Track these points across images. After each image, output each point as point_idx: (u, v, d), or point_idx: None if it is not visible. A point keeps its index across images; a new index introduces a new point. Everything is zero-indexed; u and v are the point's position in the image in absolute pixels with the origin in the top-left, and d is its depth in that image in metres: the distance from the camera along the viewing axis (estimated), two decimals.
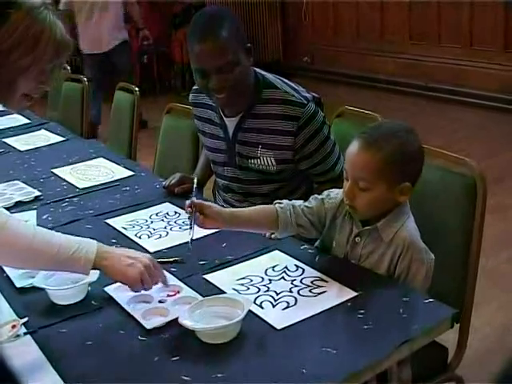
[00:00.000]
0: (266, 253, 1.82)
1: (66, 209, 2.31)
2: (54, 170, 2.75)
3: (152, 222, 2.12)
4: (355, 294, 1.57)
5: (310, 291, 1.61)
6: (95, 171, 2.70)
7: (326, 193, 1.79)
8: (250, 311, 1.49)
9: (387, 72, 6.99)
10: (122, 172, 2.65)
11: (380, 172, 1.60)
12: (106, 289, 1.67)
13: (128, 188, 2.47)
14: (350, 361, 1.33)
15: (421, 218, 1.86)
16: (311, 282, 1.65)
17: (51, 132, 3.41)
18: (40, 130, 3.49)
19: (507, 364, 0.76)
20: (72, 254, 1.50)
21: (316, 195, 1.80)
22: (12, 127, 3.59)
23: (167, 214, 2.19)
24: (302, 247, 1.83)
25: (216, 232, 1.91)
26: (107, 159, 2.84)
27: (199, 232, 1.78)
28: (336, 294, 1.58)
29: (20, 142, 3.26)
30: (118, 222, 2.13)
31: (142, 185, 2.48)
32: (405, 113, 5.92)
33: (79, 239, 1.55)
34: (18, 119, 3.75)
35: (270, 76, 2.19)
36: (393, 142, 1.62)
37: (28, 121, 3.72)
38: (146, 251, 1.89)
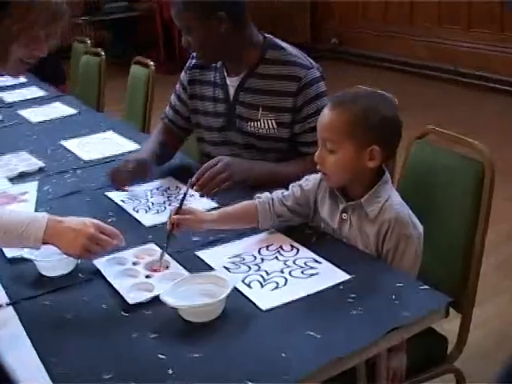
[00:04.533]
0: (262, 231, 1.76)
1: (68, 180, 2.27)
2: (63, 142, 2.71)
3: (152, 197, 2.08)
4: (348, 276, 1.50)
5: (301, 272, 1.54)
6: (103, 144, 2.67)
7: (303, 178, 1.77)
8: (237, 290, 1.44)
9: (415, 56, 6.86)
10: (129, 146, 2.61)
11: (344, 132, 1.58)
12: (95, 262, 1.63)
13: None
14: (334, 346, 1.27)
15: (427, 202, 1.81)
16: (304, 263, 1.58)
17: (65, 105, 3.38)
18: (55, 102, 3.47)
19: (509, 362, 0.77)
20: (21, 233, 1.49)
21: (294, 183, 1.77)
22: (28, 99, 3.57)
23: (168, 188, 2.14)
24: (299, 227, 1.77)
25: (212, 208, 1.87)
26: (117, 132, 2.80)
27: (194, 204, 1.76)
28: (328, 277, 1.51)
29: (33, 114, 3.23)
30: (117, 196, 2.09)
31: None
32: (430, 97, 5.79)
33: (30, 216, 1.55)
34: (34, 91, 3.74)
35: (278, 40, 2.18)
36: (359, 105, 1.59)
37: (45, 93, 3.70)
38: (142, 225, 1.87)
